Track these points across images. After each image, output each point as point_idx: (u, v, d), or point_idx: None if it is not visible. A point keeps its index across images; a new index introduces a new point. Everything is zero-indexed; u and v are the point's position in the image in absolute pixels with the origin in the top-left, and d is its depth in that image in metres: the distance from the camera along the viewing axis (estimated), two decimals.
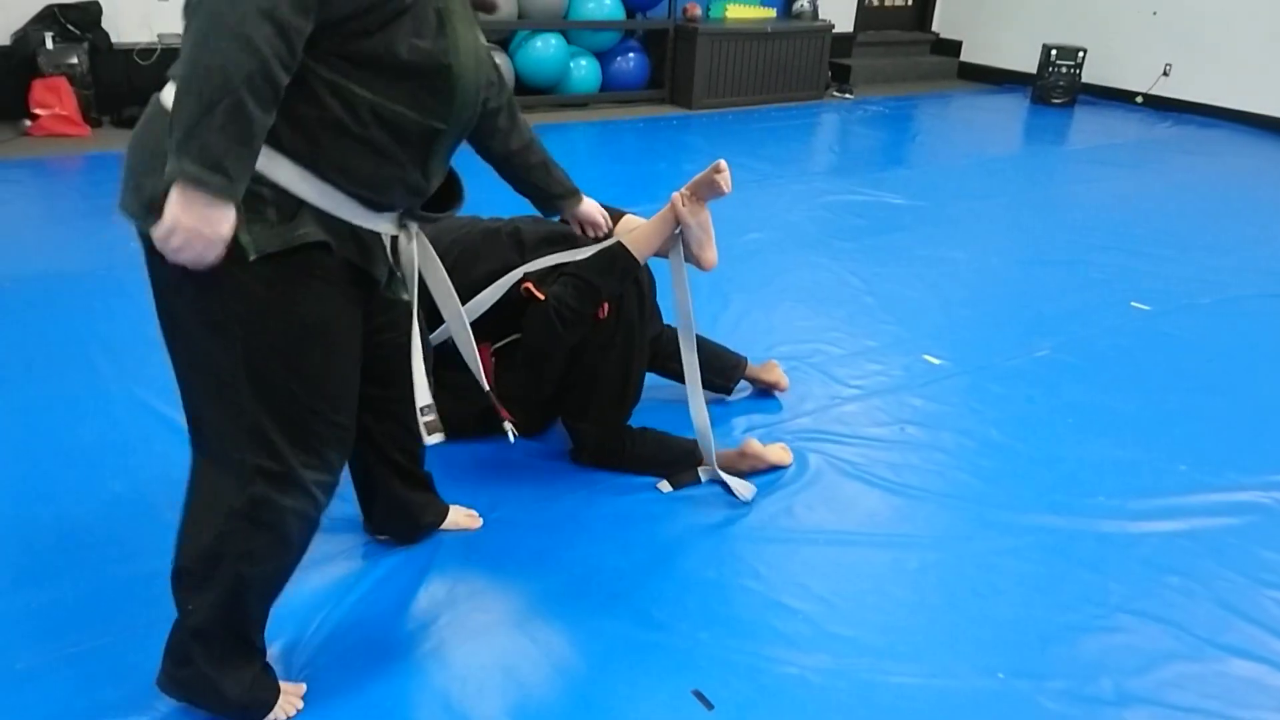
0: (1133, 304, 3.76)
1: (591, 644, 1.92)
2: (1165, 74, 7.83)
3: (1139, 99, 8.01)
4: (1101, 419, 2.87)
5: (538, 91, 6.83)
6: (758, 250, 4.20)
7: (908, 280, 3.91)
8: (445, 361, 2.54)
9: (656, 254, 2.33)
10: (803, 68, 7.65)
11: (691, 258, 2.35)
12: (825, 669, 1.88)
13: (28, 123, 5.32)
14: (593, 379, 2.39)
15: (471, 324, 2.01)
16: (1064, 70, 7.86)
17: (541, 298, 2.24)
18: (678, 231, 2.30)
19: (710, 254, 2.36)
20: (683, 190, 2.27)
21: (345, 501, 2.07)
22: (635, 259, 2.26)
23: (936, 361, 3.19)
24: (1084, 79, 7.93)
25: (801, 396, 2.93)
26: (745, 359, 2.90)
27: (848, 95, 7.93)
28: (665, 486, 2.44)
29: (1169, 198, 5.34)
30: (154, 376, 2.81)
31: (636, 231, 2.29)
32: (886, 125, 7.05)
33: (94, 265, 3.62)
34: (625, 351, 2.38)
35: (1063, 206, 5.06)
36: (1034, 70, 8.04)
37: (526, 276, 2.31)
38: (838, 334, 3.37)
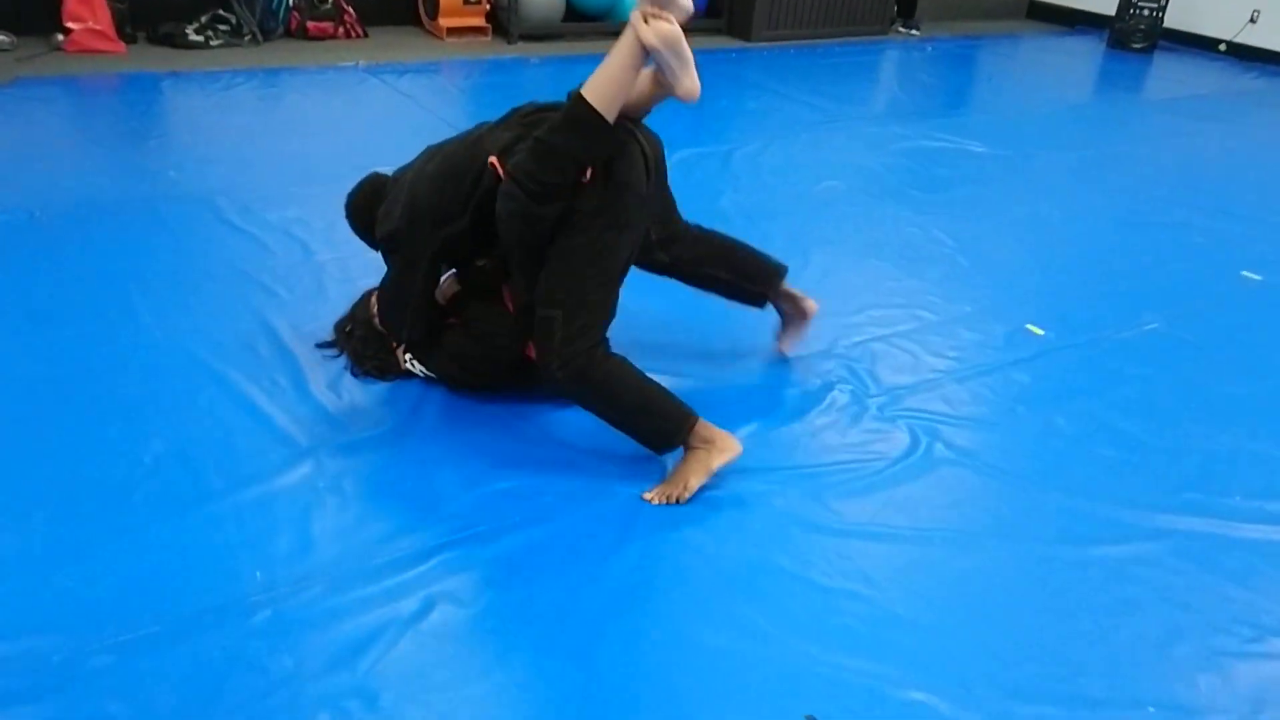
0: (1244, 273, 3.46)
1: (690, 658, 1.71)
2: (1253, 20, 7.33)
3: (1222, 47, 7.52)
4: (1228, 404, 2.61)
5: (589, 18, 6.49)
6: (834, 199, 3.91)
7: (999, 239, 3.61)
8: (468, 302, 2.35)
9: (641, 101, 2.02)
10: (868, 0, 7.23)
11: (667, 89, 2.00)
12: (954, 696, 1.66)
13: (61, 38, 5.06)
14: (568, 250, 2.06)
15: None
16: (1146, 13, 7.37)
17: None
18: (652, 66, 1.94)
19: (689, 81, 1.99)
20: (641, 5, 1.93)
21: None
22: (596, 110, 1.92)
23: (1040, 332, 2.92)
24: (1165, 23, 7.45)
25: (898, 367, 2.68)
26: (785, 267, 2.59)
27: (914, 32, 7.50)
28: (651, 497, 2.08)
29: (1265, 156, 4.97)
30: (197, 322, 2.60)
31: (594, 74, 1.95)
32: (956, 65, 6.64)
33: (130, 195, 3.40)
34: (613, 218, 2.06)
35: (1151, 161, 4.71)
36: (1110, 12, 7.56)
37: (491, 154, 2.05)
38: (931, 297, 3.10)
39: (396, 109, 4.73)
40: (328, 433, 2.21)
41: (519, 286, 2.24)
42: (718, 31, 6.96)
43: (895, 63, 6.63)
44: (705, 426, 2.13)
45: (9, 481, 1.99)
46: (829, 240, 3.49)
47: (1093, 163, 4.61)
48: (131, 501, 1.94)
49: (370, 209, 2.32)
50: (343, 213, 2.40)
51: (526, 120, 2.13)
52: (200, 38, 5.37)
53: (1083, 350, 2.84)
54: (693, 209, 3.69)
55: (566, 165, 1.96)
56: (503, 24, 6.24)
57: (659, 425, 2.13)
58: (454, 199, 2.14)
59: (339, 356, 2.48)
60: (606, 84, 1.93)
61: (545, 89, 5.39)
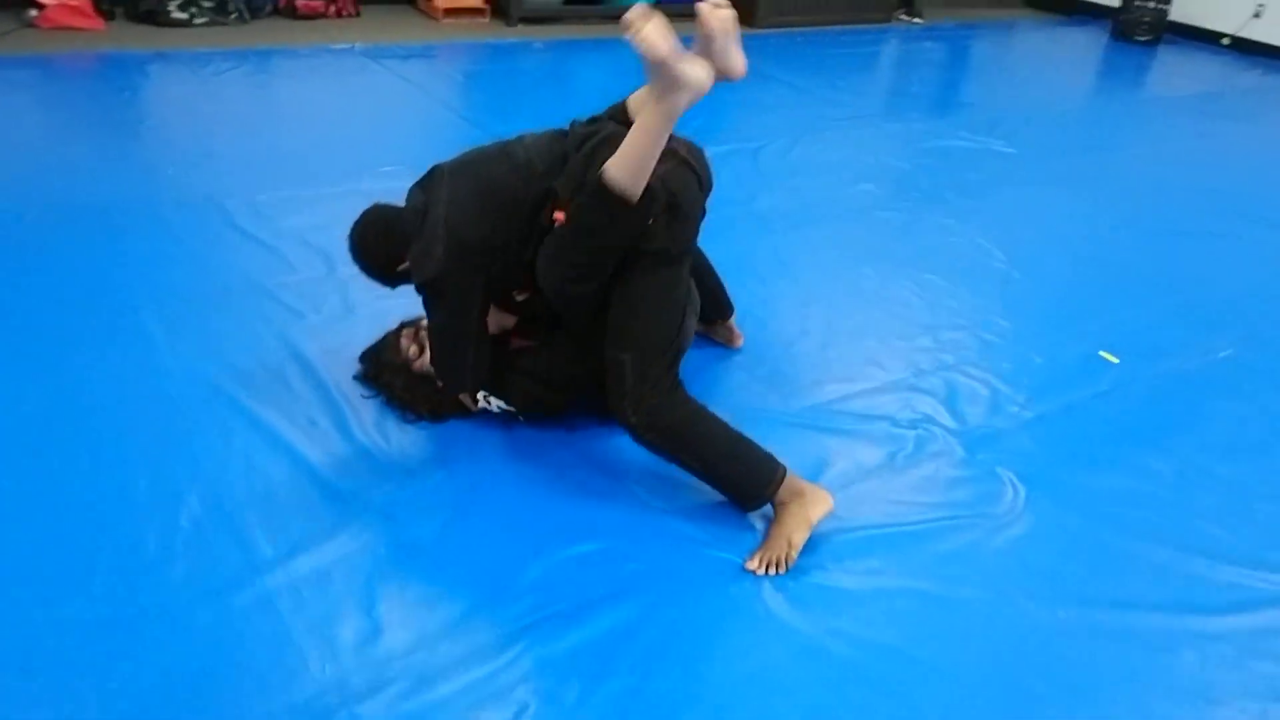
0: None
1: None
2: (1257, 15, 7.25)
3: (1225, 40, 7.43)
4: None
5: (591, 1, 6.22)
6: (872, 204, 3.72)
7: (1046, 248, 3.46)
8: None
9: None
10: None
11: (718, 70, 1.87)
12: None
13: (33, 12, 4.70)
14: (636, 293, 1.92)
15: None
16: (1151, 5, 7.25)
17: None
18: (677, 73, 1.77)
19: (739, 58, 1.91)
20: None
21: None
22: (623, 195, 1.77)
23: (1114, 360, 2.76)
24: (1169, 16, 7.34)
25: (977, 401, 2.51)
26: (733, 309, 2.58)
27: (916, 20, 7.32)
28: (755, 566, 1.86)
29: None
30: (218, 346, 2.36)
31: (624, 146, 1.78)
32: (962, 55, 6.50)
33: (129, 196, 3.12)
34: (680, 252, 1.99)
35: (1181, 163, 4.58)
36: (1112, 2, 7.44)
37: (554, 201, 1.91)
38: (993, 317, 2.93)
39: (401, 96, 4.46)
40: (379, 485, 1.99)
41: (574, 326, 2.08)
42: None
43: (902, 52, 6.45)
44: (793, 478, 1.95)
45: (24, 548, 1.74)
46: (877, 252, 3.31)
47: (1123, 165, 4.47)
48: (172, 577, 1.70)
49: (384, 248, 2.09)
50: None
51: (586, 149, 1.95)
52: (184, 15, 5.03)
53: (1160, 381, 2.69)
54: (730, 211, 3.53)
55: (597, 257, 1.87)
56: (502, 5, 5.96)
57: (747, 476, 1.95)
58: (508, 230, 1.94)
59: (377, 396, 2.25)
60: (636, 159, 1.77)
61: (552, 77, 5.15)
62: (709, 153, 4.03)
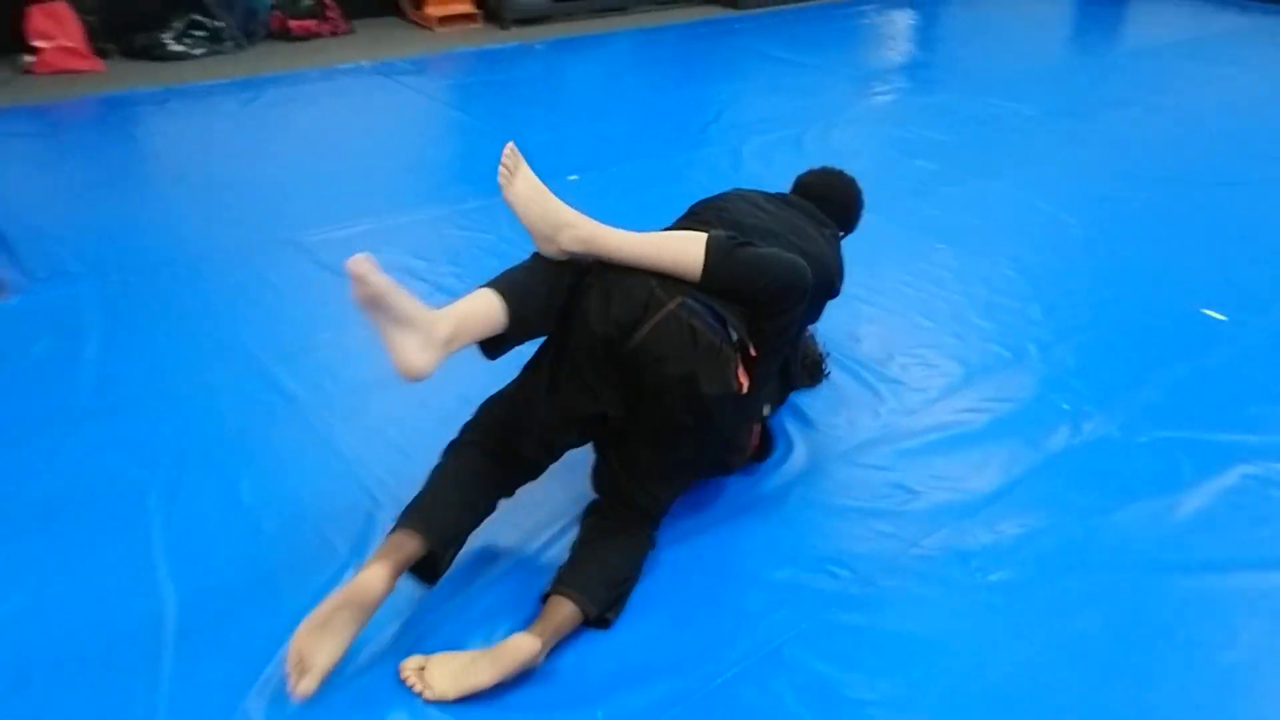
0: None
1: None
2: None
3: None
4: None
5: None
6: (931, 180, 3.73)
7: (1114, 210, 3.50)
8: None
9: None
10: None
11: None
12: None
13: (28, 58, 4.51)
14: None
15: None
16: None
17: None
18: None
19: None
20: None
21: None
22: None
23: (1220, 317, 2.81)
24: None
25: (1112, 372, 2.52)
26: None
27: None
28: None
29: None
30: (336, 369, 2.29)
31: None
32: (945, 23, 6.55)
33: (209, 246, 2.99)
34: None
35: (1192, 112, 4.66)
36: None
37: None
38: (1089, 283, 2.96)
39: (425, 112, 4.39)
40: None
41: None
42: (703, 1, 6.69)
43: (891, 22, 6.47)
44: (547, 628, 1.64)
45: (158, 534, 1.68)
46: (952, 229, 3.32)
47: (1140, 120, 4.54)
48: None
49: None
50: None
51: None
52: (181, 47, 4.87)
53: (1274, 335, 2.74)
54: None
55: None
56: (492, 9, 5.86)
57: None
58: None
59: None
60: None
61: (561, 79, 5.08)
62: (755, 141, 4.02)
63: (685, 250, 1.66)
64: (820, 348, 2.43)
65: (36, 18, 4.48)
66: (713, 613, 1.75)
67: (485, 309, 1.61)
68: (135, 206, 3.29)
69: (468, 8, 5.79)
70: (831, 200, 2.27)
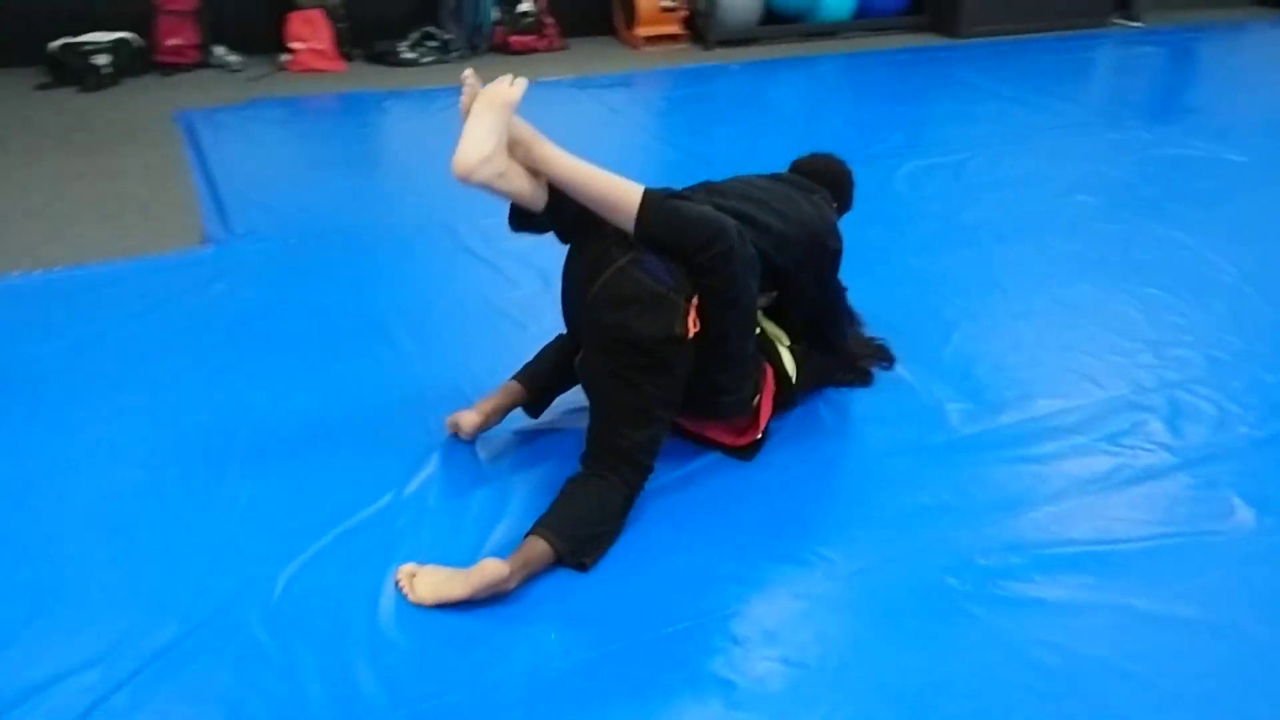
0: None
1: None
2: None
3: None
4: None
5: (786, 20, 6.31)
6: (1088, 215, 3.60)
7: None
8: None
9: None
10: None
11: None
12: None
13: (284, 57, 5.26)
14: None
15: None
16: None
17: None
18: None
19: (461, 144, 1.86)
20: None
21: None
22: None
23: None
24: None
25: (1198, 417, 2.39)
26: None
27: (1135, 24, 6.96)
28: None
29: None
30: (462, 357, 2.58)
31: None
32: (1186, 60, 6.15)
33: (376, 222, 3.43)
34: None
35: None
36: None
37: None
38: (1222, 333, 2.78)
39: (605, 123, 4.70)
40: None
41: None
42: (920, 29, 6.64)
43: (1119, 58, 6.18)
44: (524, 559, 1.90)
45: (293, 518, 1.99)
46: (1092, 264, 3.21)
47: None
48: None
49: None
50: None
51: None
52: (413, 55, 5.48)
53: None
54: (933, 225, 3.52)
55: None
56: (700, 30, 6.14)
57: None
58: None
59: None
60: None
61: (745, 96, 5.26)
62: (911, 166, 4.06)
63: (624, 197, 1.87)
64: (875, 340, 2.59)
65: (295, 23, 5.22)
66: (685, 570, 1.89)
67: (533, 189, 1.92)
68: (333, 184, 3.81)
69: (675, 29, 6.09)
70: (822, 178, 2.43)
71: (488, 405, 2.20)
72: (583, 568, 1.84)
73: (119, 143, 4.15)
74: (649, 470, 1.97)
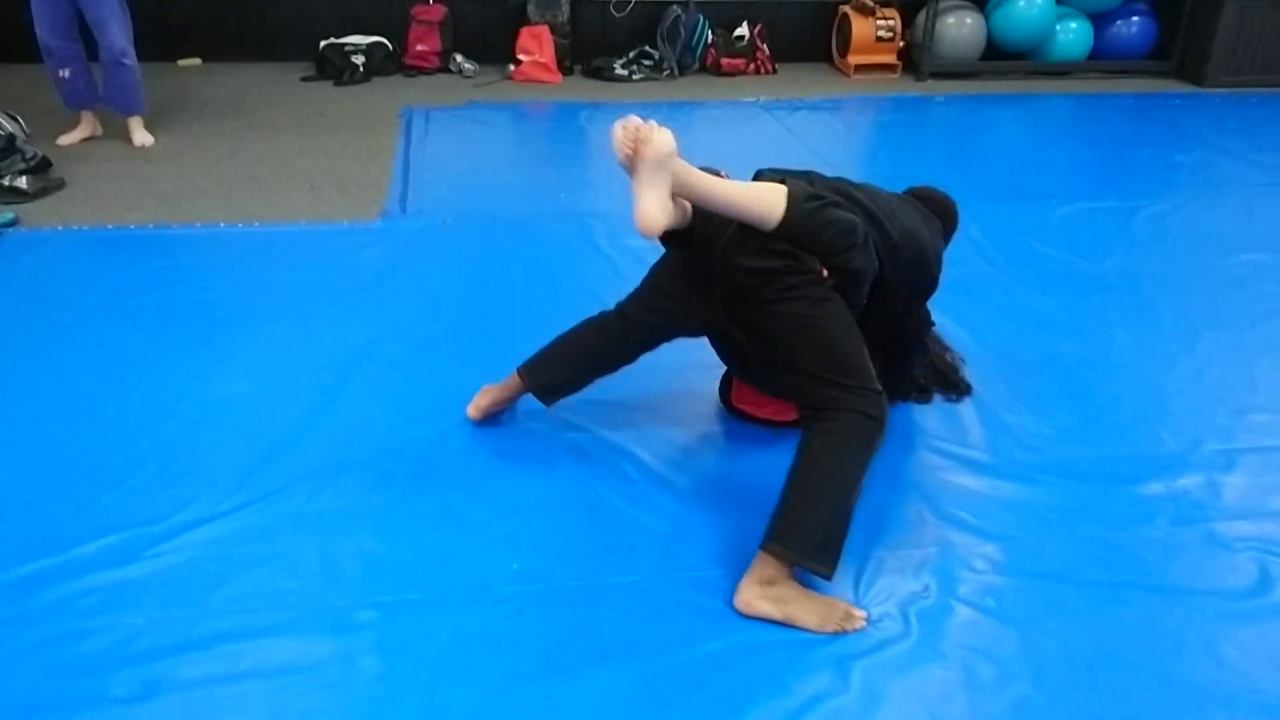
0: None
1: None
2: None
3: None
4: None
5: (1012, 57, 6.13)
6: (1252, 275, 3.33)
7: None
8: None
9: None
10: None
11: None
12: None
13: (511, 67, 5.81)
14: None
15: None
16: None
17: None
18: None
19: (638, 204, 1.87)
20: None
21: None
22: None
23: None
24: None
25: (1261, 485, 2.22)
26: None
27: None
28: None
29: None
30: (545, 335, 2.84)
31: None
32: None
33: (525, 210, 3.79)
34: None
35: None
36: None
37: None
38: None
39: (773, 143, 4.81)
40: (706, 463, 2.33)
41: None
42: (1165, 74, 6.22)
43: None
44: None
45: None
46: (1228, 323, 2.99)
47: None
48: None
49: None
50: None
51: None
52: (625, 72, 5.87)
53: None
54: (1065, 269, 3.38)
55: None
56: (915, 61, 6.10)
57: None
58: None
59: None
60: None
61: (926, 129, 5.19)
62: (1071, 207, 3.94)
63: (770, 202, 1.90)
64: (954, 358, 2.65)
65: (524, 37, 5.75)
66: (647, 528, 2.08)
67: (682, 214, 2.01)
68: (504, 178, 4.22)
69: (889, 59, 6.09)
70: (937, 206, 2.48)
71: (484, 400, 2.41)
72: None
73: (348, 130, 4.79)
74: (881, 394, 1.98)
